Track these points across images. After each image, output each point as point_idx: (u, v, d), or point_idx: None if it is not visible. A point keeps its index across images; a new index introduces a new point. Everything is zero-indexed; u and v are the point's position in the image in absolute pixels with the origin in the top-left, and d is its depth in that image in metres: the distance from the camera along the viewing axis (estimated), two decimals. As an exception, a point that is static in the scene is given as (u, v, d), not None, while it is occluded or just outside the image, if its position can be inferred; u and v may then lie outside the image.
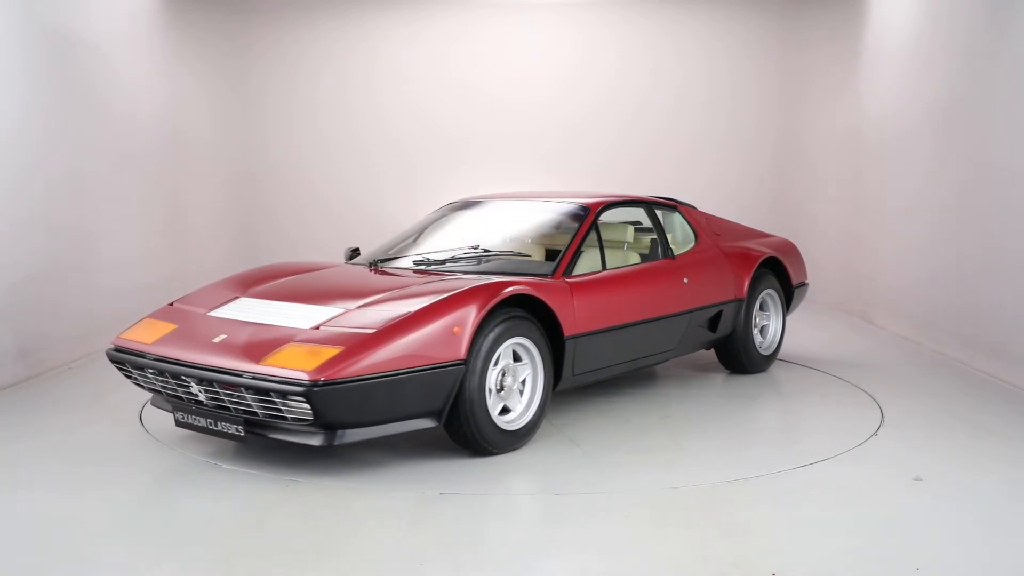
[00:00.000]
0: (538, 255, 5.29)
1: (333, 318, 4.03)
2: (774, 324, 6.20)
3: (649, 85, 9.75)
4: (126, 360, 4.23)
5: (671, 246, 5.59)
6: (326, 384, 3.58)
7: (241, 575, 3.03)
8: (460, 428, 4.05)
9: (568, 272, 4.76)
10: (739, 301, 5.81)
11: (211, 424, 3.97)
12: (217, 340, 4.02)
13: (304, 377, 3.59)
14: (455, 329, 3.92)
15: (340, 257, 5.65)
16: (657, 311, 5.16)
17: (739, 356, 5.90)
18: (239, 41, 9.67)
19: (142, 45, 7.84)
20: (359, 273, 4.95)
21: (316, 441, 3.77)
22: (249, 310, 4.33)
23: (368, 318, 3.97)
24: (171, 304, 4.61)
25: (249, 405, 3.79)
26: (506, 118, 9.77)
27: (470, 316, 3.97)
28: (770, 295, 6.14)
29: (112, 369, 6.21)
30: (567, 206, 5.37)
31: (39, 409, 5.15)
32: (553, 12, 9.74)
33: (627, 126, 9.76)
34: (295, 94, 9.86)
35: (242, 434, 3.88)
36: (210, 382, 3.84)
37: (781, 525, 3.43)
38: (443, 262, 4.92)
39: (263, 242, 9.94)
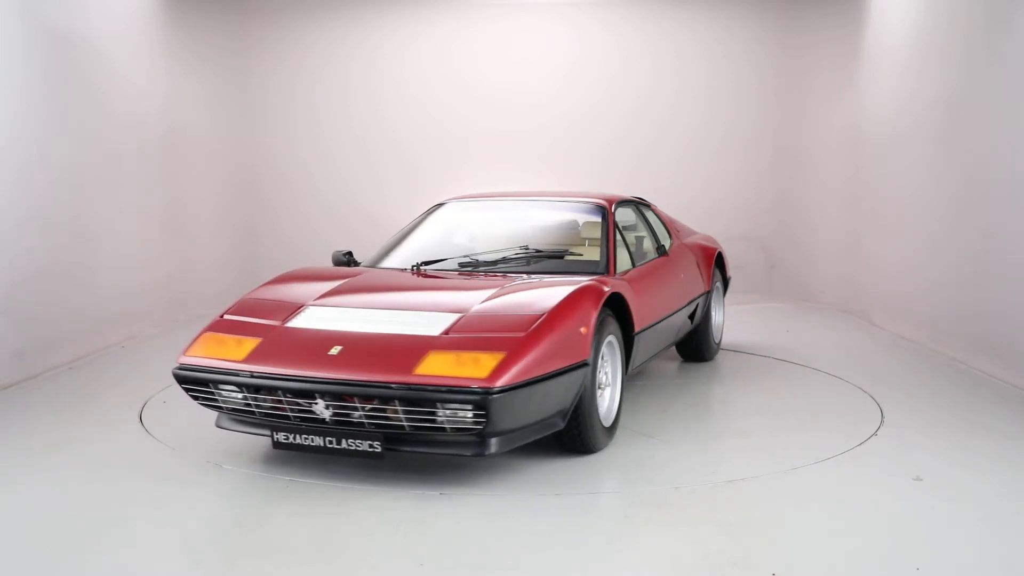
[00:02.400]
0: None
1: (458, 323, 3.89)
2: (719, 314, 6.57)
3: (648, 85, 9.75)
4: (207, 379, 3.89)
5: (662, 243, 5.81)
6: (501, 390, 3.50)
7: (241, 575, 3.03)
8: (575, 428, 4.05)
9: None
10: (706, 293, 6.15)
11: (331, 443, 3.71)
12: (334, 352, 3.78)
13: (479, 384, 3.50)
14: (582, 329, 3.93)
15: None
16: (675, 305, 5.45)
17: (700, 345, 6.21)
18: (240, 41, 9.67)
19: (142, 45, 7.84)
20: (414, 276, 4.80)
21: (468, 452, 3.66)
22: (336, 319, 4.09)
23: (504, 321, 3.86)
24: (222, 317, 4.26)
25: (388, 418, 3.63)
26: (506, 118, 9.77)
27: (591, 315, 4.01)
28: (716, 287, 6.51)
29: (111, 369, 6.23)
30: (579, 204, 5.49)
31: (39, 409, 5.14)
32: (553, 12, 9.74)
33: (627, 126, 9.76)
34: (295, 94, 9.86)
35: (379, 450, 3.66)
36: (348, 396, 3.63)
37: (781, 525, 3.43)
38: (494, 263, 4.87)
39: (263, 242, 9.94)
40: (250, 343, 3.97)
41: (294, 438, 3.77)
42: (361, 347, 3.80)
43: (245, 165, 9.80)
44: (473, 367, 3.57)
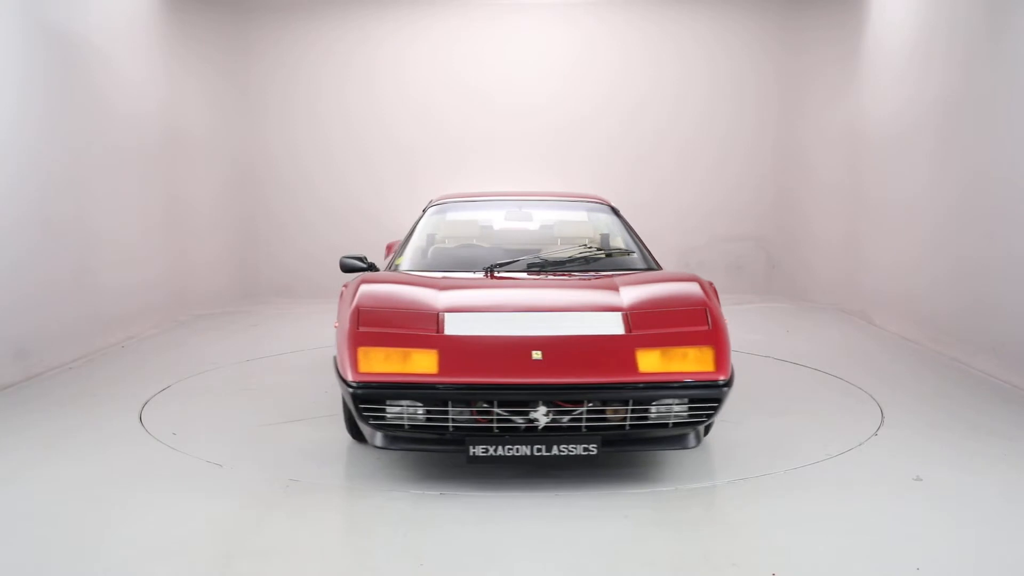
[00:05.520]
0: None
1: (631, 320, 3.88)
2: None
3: (649, 85, 9.75)
4: (399, 394, 3.60)
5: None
6: (726, 383, 3.66)
7: (241, 575, 3.03)
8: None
9: None
10: None
11: (539, 450, 3.59)
12: (538, 357, 3.66)
13: (711, 378, 3.63)
14: (725, 321, 4.03)
15: (341, 254, 5.48)
16: None
17: None
18: (240, 41, 9.67)
19: (142, 45, 7.85)
20: (493, 279, 4.67)
21: (675, 447, 3.76)
22: (493, 325, 3.87)
23: (674, 317, 3.91)
24: (359, 330, 3.80)
25: (607, 420, 3.62)
26: (506, 118, 9.78)
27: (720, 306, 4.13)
28: None
29: (110, 369, 6.22)
30: (585, 204, 5.59)
31: (39, 409, 5.14)
32: (553, 12, 9.74)
33: (627, 125, 9.76)
34: (296, 94, 9.86)
35: (595, 453, 3.61)
36: (562, 401, 3.58)
37: (781, 525, 3.43)
38: (563, 262, 4.85)
39: (263, 241, 9.95)
40: (426, 355, 3.68)
41: (495, 450, 3.60)
42: (561, 351, 3.70)
43: (245, 165, 9.80)
44: (682, 361, 3.66)
